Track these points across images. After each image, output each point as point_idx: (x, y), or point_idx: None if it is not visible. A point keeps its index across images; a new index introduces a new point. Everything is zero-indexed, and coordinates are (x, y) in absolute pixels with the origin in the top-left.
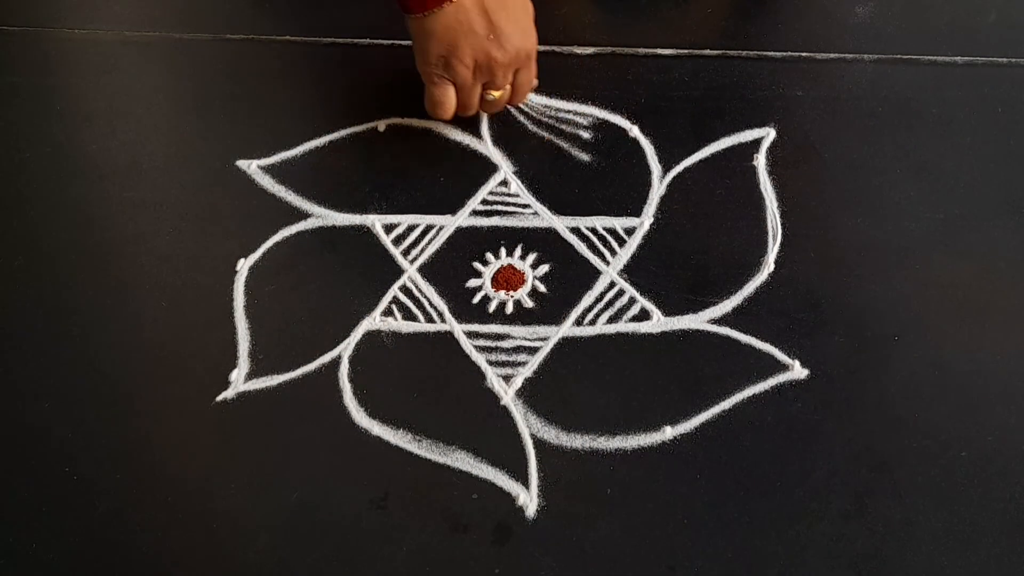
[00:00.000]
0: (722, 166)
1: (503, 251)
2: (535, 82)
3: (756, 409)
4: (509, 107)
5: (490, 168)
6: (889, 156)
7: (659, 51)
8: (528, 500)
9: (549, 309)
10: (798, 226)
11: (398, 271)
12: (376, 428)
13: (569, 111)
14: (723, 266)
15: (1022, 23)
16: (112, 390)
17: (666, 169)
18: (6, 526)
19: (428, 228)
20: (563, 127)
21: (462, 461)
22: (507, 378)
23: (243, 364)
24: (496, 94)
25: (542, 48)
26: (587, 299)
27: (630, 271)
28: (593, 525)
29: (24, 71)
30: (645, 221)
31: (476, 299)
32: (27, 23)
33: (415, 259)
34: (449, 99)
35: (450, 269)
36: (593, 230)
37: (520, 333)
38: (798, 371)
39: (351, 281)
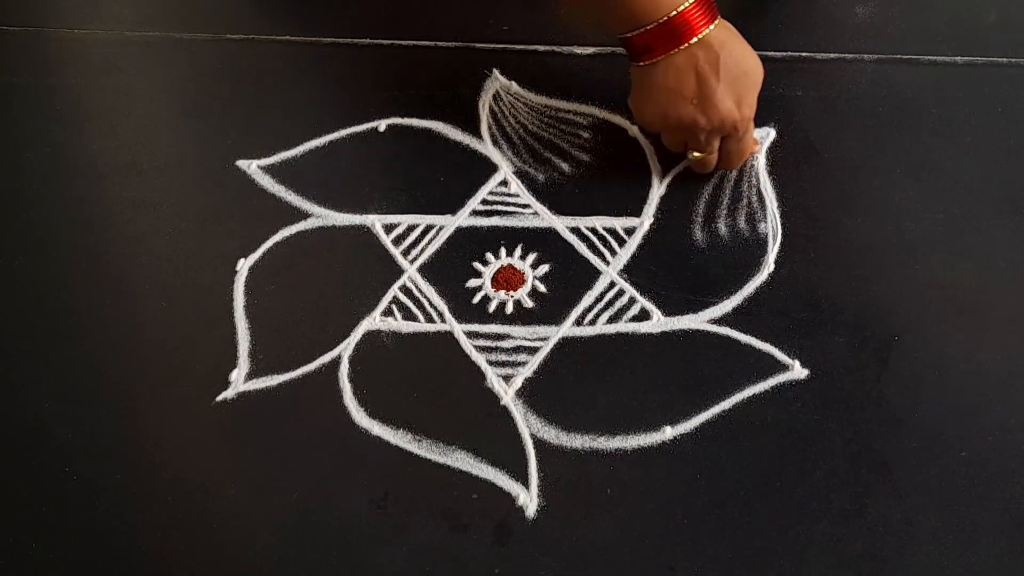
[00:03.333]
0: None
1: (503, 251)
2: (755, 148)
3: (756, 409)
4: (512, 105)
5: (490, 168)
6: (889, 156)
7: None
8: (528, 500)
9: (549, 309)
10: (798, 226)
11: (398, 271)
12: (376, 428)
13: (569, 111)
14: (723, 266)
15: (1022, 23)
16: (112, 390)
17: (666, 169)
18: (6, 526)
19: (428, 228)
20: (563, 127)
21: (462, 461)
22: (507, 378)
23: (243, 364)
24: (696, 155)
25: (542, 48)
26: (587, 299)
27: (630, 271)
28: (593, 525)
29: (24, 71)
30: (645, 221)
31: (476, 299)
32: (27, 23)
33: (415, 259)
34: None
35: (450, 269)
36: (593, 230)
37: (520, 333)
38: (798, 371)
39: (351, 281)
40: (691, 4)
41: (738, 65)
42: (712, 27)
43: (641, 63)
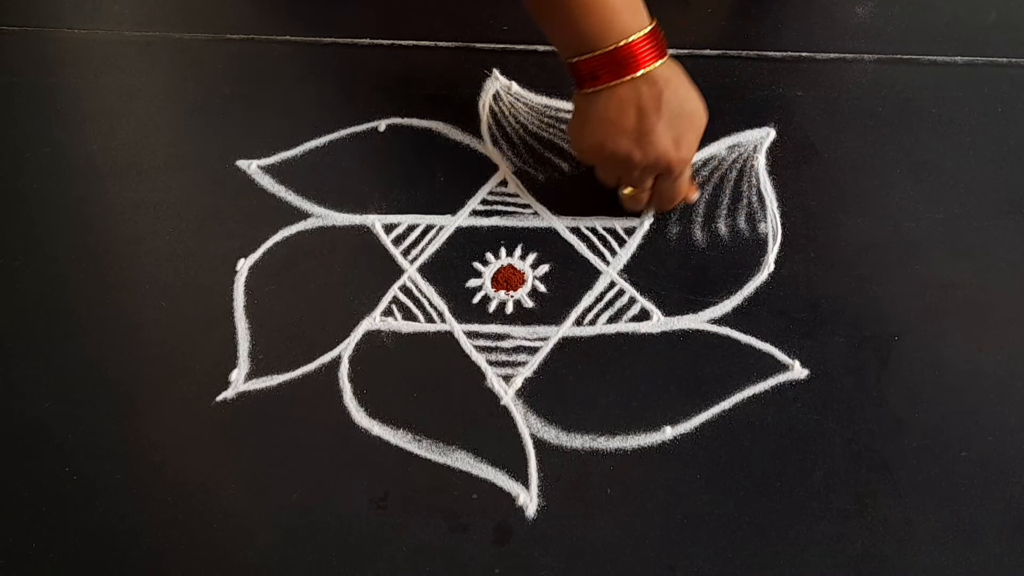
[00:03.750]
0: (722, 166)
1: (503, 251)
2: (690, 195)
3: (756, 409)
4: (512, 105)
5: (490, 168)
6: (889, 156)
7: None
8: (528, 500)
9: (549, 309)
10: (798, 226)
11: (398, 271)
12: (376, 428)
13: (569, 111)
14: (723, 266)
15: (1022, 23)
16: (112, 390)
17: None
18: (6, 526)
19: (428, 228)
20: (563, 127)
21: (462, 461)
22: (507, 378)
23: (243, 364)
24: (628, 191)
25: (542, 48)
26: (587, 299)
27: (630, 271)
28: (593, 525)
29: (24, 71)
30: (645, 221)
31: (476, 299)
32: (27, 23)
33: (415, 259)
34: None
35: (450, 269)
36: (593, 230)
37: (520, 333)
38: (798, 371)
39: (351, 281)
40: (641, 36)
41: (681, 105)
42: (659, 63)
43: (584, 90)
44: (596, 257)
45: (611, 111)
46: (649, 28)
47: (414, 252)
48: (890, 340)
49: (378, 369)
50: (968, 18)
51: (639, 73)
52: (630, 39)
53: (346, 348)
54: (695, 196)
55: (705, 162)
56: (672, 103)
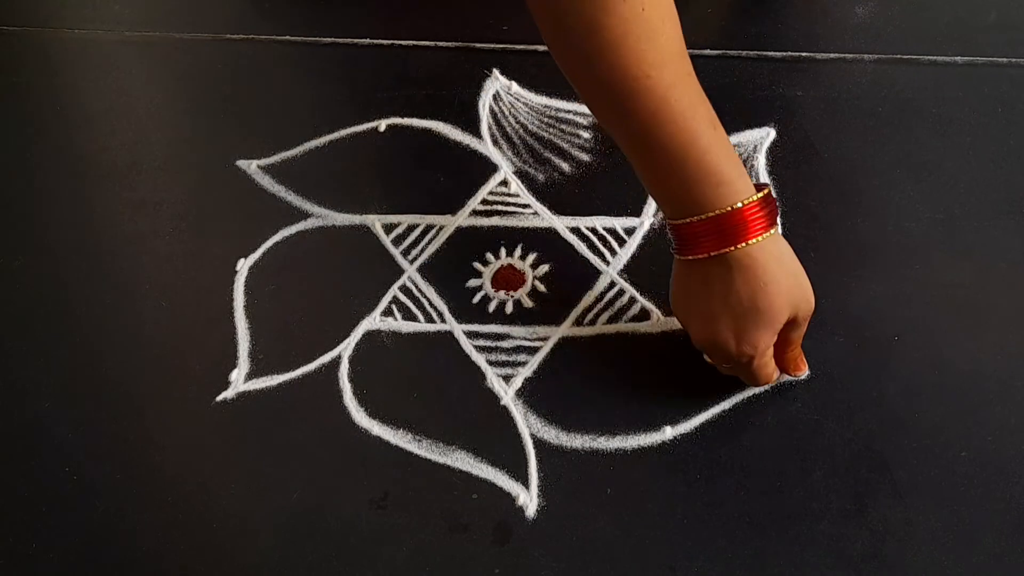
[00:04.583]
0: None
1: (503, 251)
2: (793, 372)
3: (756, 409)
4: (512, 105)
5: (490, 168)
6: (889, 156)
7: None
8: (528, 500)
9: (549, 309)
10: (798, 226)
11: (398, 271)
12: (376, 428)
13: (569, 111)
14: None
15: (1022, 23)
16: (112, 390)
17: None
18: (6, 526)
19: (428, 228)
20: (563, 127)
21: (462, 461)
22: (507, 378)
23: (243, 364)
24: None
25: (542, 48)
26: (587, 299)
27: (630, 271)
28: (593, 525)
29: (24, 71)
30: (645, 221)
31: (476, 299)
32: (27, 23)
33: (415, 259)
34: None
35: (450, 269)
36: (593, 230)
37: (520, 333)
38: None
39: (351, 281)
40: (743, 205)
41: (752, 297)
42: (742, 245)
43: (679, 257)
44: (596, 257)
45: (690, 283)
46: (755, 199)
47: (414, 252)
48: (890, 340)
49: (378, 369)
50: (968, 18)
51: (714, 253)
52: (737, 205)
53: (346, 348)
54: (802, 372)
55: None
56: (741, 294)
